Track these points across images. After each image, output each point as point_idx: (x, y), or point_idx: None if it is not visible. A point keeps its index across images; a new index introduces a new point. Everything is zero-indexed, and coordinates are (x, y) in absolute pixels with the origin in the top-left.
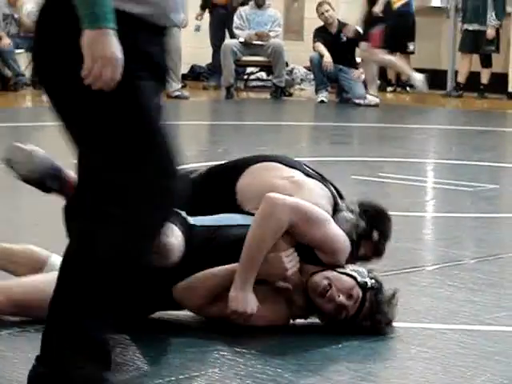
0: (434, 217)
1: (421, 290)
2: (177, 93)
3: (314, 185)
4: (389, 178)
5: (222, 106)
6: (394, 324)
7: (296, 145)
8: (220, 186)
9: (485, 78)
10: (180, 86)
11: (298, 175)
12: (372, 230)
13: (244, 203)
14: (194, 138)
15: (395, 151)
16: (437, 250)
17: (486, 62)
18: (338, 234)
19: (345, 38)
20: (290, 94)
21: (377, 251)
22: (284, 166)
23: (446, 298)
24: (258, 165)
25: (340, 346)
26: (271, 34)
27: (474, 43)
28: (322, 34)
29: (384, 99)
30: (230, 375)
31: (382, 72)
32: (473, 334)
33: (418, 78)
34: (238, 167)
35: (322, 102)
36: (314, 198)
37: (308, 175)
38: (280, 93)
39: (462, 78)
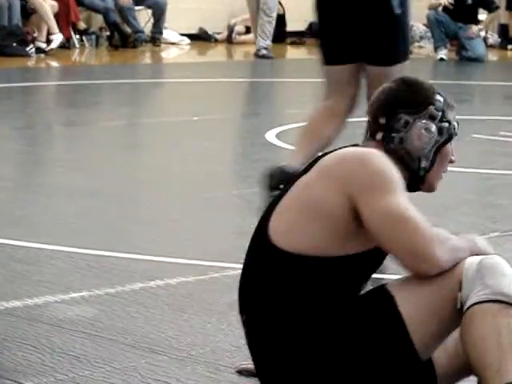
0: None
1: None
2: (263, 51)
3: None
4: (510, 137)
5: None
6: None
7: None
8: None
9: None
10: (267, 44)
11: None
12: None
13: None
14: (312, 96)
15: None
16: None
17: None
18: None
19: (470, 1)
20: (409, 52)
21: None
22: None
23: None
24: None
25: None
26: None
27: None
28: None
29: (504, 57)
30: None
31: (503, 29)
32: None
33: None
34: None
35: (442, 59)
36: None
37: None
38: None
39: None
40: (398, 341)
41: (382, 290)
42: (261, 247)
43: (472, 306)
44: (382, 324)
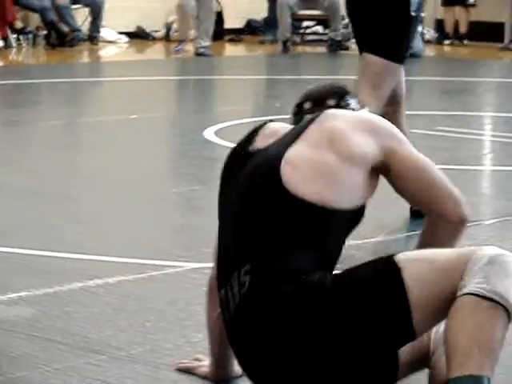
0: (493, 170)
1: (481, 244)
2: (201, 50)
3: None
4: (447, 132)
5: (279, 60)
6: None
7: None
8: None
9: None
10: (206, 43)
11: None
12: None
13: None
14: (251, 93)
15: (453, 104)
16: (496, 203)
17: None
18: None
19: None
20: (347, 48)
21: None
22: None
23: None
24: None
25: None
26: None
27: None
28: None
29: (441, 52)
30: None
31: (440, 24)
32: None
33: None
34: None
35: None
36: None
37: None
38: (336, 47)
39: None
40: (397, 314)
41: (391, 261)
42: (274, 195)
43: (466, 294)
44: (385, 295)
